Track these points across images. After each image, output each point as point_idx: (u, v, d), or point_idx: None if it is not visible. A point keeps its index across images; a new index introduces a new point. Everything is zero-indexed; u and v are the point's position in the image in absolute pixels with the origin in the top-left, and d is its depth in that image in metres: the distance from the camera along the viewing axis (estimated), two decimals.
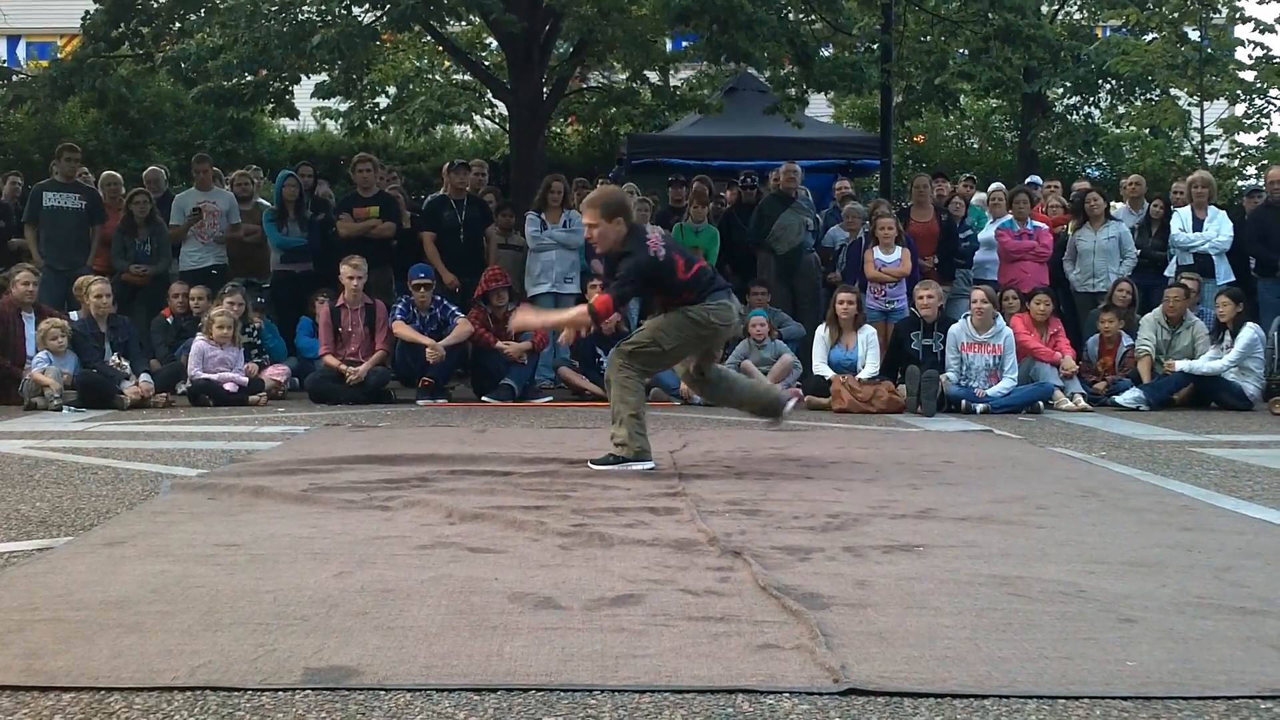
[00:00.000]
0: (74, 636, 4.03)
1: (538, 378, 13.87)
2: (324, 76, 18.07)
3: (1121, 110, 25.79)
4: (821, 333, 13.26)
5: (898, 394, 12.50)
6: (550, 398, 13.50)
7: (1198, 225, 14.97)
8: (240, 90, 18.10)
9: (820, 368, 13.02)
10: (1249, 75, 22.08)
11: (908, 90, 22.82)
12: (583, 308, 8.47)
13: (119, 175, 16.80)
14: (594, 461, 8.05)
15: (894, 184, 20.46)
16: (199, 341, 12.94)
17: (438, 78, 23.02)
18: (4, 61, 28.22)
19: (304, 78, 18.02)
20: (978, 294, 12.88)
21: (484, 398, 13.22)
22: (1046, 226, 15.35)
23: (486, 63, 21.77)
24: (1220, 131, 22.69)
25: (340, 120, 22.14)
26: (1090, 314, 14.43)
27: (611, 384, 8.19)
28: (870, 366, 12.81)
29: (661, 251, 8.09)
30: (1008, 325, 12.95)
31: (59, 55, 22.48)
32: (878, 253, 14.13)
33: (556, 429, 10.68)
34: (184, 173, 20.50)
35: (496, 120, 24.71)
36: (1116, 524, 6.22)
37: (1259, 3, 22.37)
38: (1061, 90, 25.59)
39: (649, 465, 7.97)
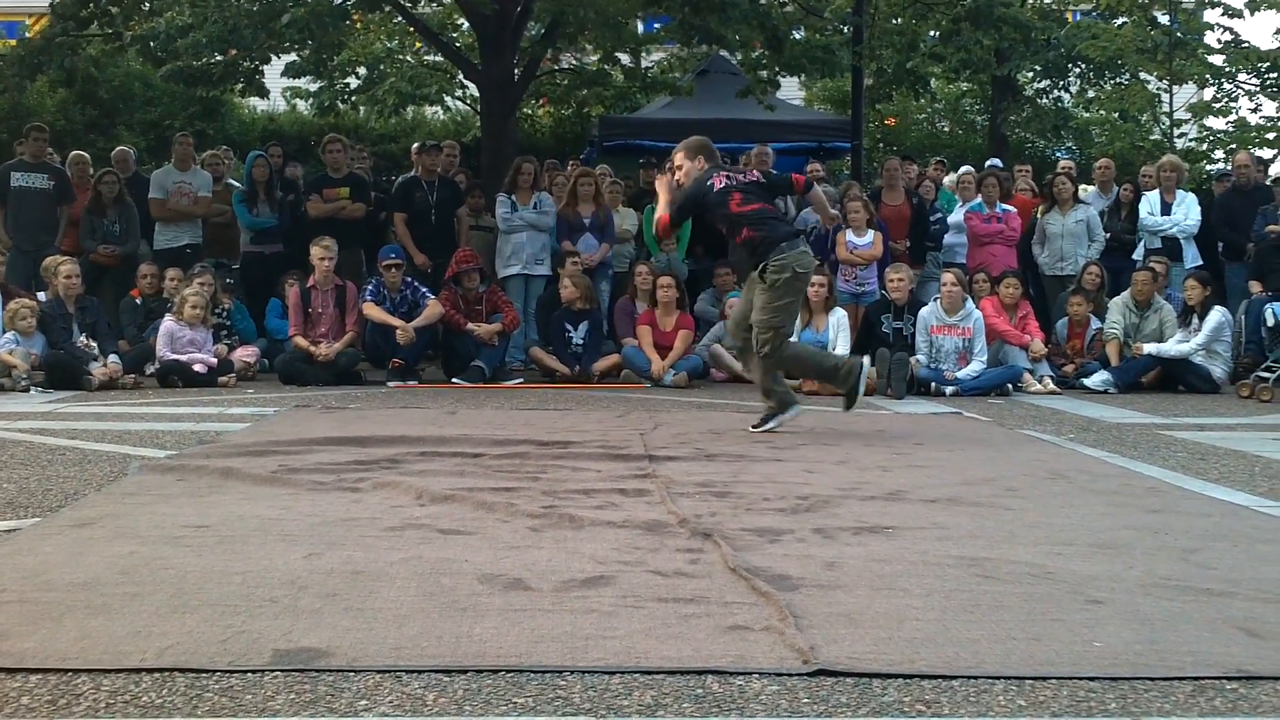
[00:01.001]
0: (41, 618, 4.02)
1: (508, 359, 13.85)
2: (294, 56, 18.01)
3: (1091, 94, 25.80)
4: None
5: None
6: (521, 379, 13.48)
7: (1166, 209, 15.04)
8: (209, 70, 18.02)
9: None
10: (1218, 60, 22.14)
11: (879, 73, 22.81)
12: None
13: (87, 155, 16.68)
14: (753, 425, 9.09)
15: (865, 167, 20.46)
16: (168, 322, 12.87)
17: (408, 58, 22.93)
18: None
19: (274, 57, 17.96)
20: (948, 276, 12.90)
21: (454, 379, 13.19)
22: (1015, 210, 15.36)
23: (458, 44, 21.69)
24: (1189, 116, 22.74)
25: (311, 101, 22.06)
26: (1059, 297, 14.48)
27: (757, 377, 9.26)
28: (841, 348, 12.81)
29: (719, 183, 9.12)
30: (977, 308, 12.98)
31: (27, 34, 22.32)
32: (849, 235, 14.13)
33: (527, 410, 10.67)
34: (153, 153, 20.43)
35: (468, 101, 24.66)
36: (1084, 506, 6.25)
37: None
38: (1031, 74, 25.61)
39: (794, 412, 9.20)
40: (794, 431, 9.13)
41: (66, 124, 22.57)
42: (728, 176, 9.27)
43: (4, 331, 12.51)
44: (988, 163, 19.08)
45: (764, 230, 9.00)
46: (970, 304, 12.85)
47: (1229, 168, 17.73)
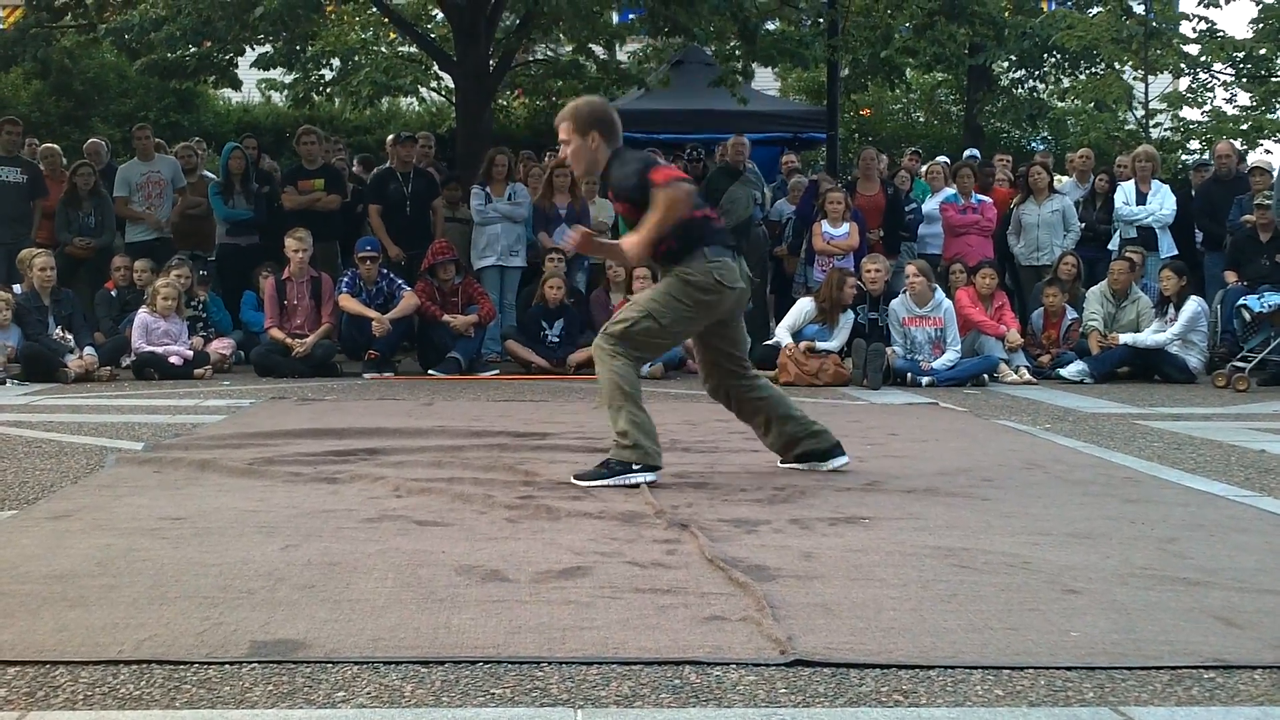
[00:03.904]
0: (18, 610, 4.01)
1: (484, 351, 13.82)
2: (268, 48, 17.96)
3: (1066, 84, 25.89)
4: (807, 305, 13.14)
5: (844, 367, 12.54)
6: (497, 370, 13.47)
7: (1141, 199, 15.06)
8: (184, 62, 17.96)
9: (783, 334, 12.93)
10: (1193, 49, 22.21)
11: (854, 64, 22.84)
12: (656, 217, 6.38)
13: (58, 147, 16.59)
14: (579, 476, 6.49)
15: (840, 157, 20.48)
16: (143, 314, 12.84)
17: (383, 50, 22.88)
18: None
19: (248, 49, 17.90)
20: (910, 268, 12.96)
21: (431, 371, 13.19)
22: (990, 200, 15.38)
23: (432, 35, 21.65)
24: (1164, 106, 22.82)
25: (285, 92, 22.01)
26: (1035, 287, 14.49)
27: (600, 374, 6.65)
28: (836, 341, 12.77)
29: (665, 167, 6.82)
30: (953, 299, 13.01)
31: (1, 26, 22.25)
32: (826, 226, 14.13)
33: (503, 402, 10.66)
34: (128, 144, 20.30)
35: (442, 93, 24.61)
36: (1061, 496, 6.27)
37: None
38: (1007, 64, 25.68)
39: (652, 477, 6.46)
40: None
41: (41, 116, 22.49)
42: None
43: None
44: (966, 153, 19.11)
45: (684, 244, 6.59)
46: (940, 294, 12.88)
47: (1206, 158, 17.79)
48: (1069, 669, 3.57)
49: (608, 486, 6.32)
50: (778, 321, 13.64)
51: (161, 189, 15.30)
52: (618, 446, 6.47)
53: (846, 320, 12.92)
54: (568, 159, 7.06)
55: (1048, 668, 3.58)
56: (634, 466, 6.39)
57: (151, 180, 15.26)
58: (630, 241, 6.54)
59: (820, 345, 12.62)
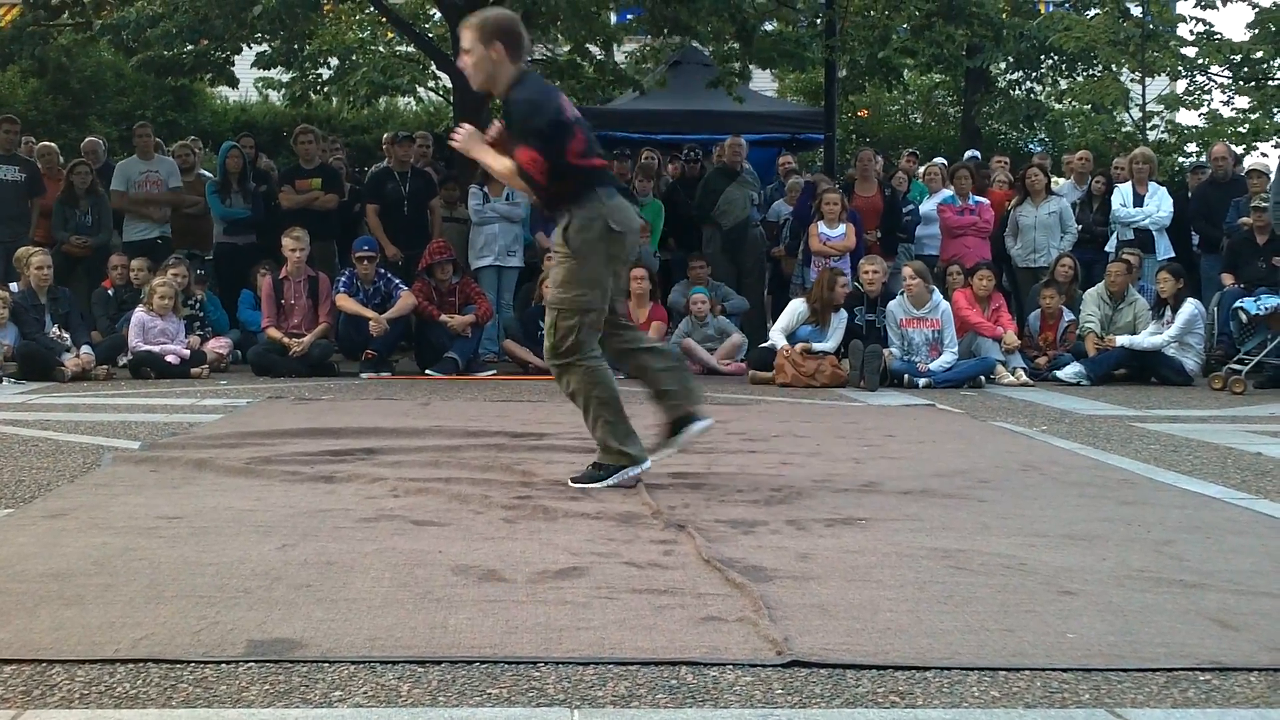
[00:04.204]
0: (15, 609, 4.01)
1: (482, 351, 13.83)
2: (265, 47, 17.96)
3: (1064, 85, 25.90)
4: (799, 306, 13.12)
5: (841, 368, 12.54)
6: (494, 370, 13.48)
7: (1138, 201, 15.05)
8: (181, 60, 17.98)
9: (777, 337, 12.93)
10: (1190, 52, 22.21)
11: (851, 65, 22.85)
12: (511, 165, 6.32)
13: (55, 146, 16.62)
14: (575, 480, 6.42)
15: (838, 158, 20.49)
16: (139, 313, 12.85)
17: (380, 49, 22.89)
18: None
19: (245, 47, 17.91)
20: (907, 270, 12.95)
21: (428, 371, 13.19)
22: (988, 201, 15.39)
23: (430, 34, 21.65)
24: (1161, 108, 22.82)
25: (283, 91, 22.02)
26: (1032, 289, 14.50)
27: (566, 393, 6.52)
28: (831, 342, 12.77)
29: (569, 111, 6.36)
30: (950, 300, 13.01)
31: None
32: (822, 227, 14.12)
33: (501, 402, 10.66)
34: (125, 143, 20.34)
35: (440, 92, 24.61)
36: (1057, 498, 6.27)
37: None
38: (1004, 65, 25.69)
39: (640, 469, 6.43)
40: (767, 423, 9.14)
41: (38, 114, 22.51)
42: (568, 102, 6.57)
43: None
44: (967, 154, 19.12)
45: (579, 188, 6.31)
46: (937, 295, 12.88)
47: (1203, 160, 17.78)
48: (1065, 670, 3.57)
49: (606, 487, 6.29)
50: (775, 322, 13.63)
51: (159, 189, 15.30)
52: (603, 452, 6.44)
53: (840, 320, 12.91)
54: (465, 67, 6.50)
55: (1044, 669, 3.58)
56: (624, 466, 6.36)
57: (150, 179, 15.26)
58: (505, 173, 6.49)
59: (816, 346, 12.61)
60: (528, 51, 6.40)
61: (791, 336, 12.81)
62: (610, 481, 6.32)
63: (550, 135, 6.19)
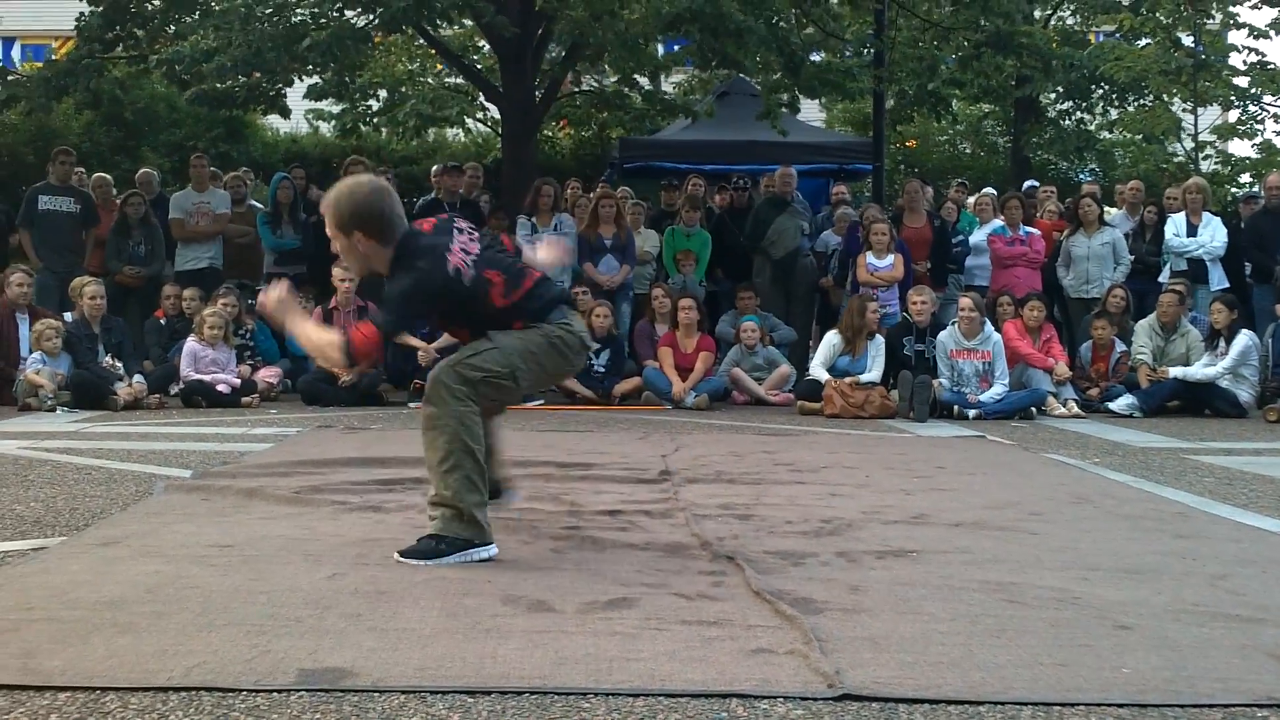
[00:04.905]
0: (69, 636, 4.03)
1: None
2: (316, 79, 18.08)
3: (1114, 115, 25.81)
4: (833, 338, 13.13)
5: (890, 399, 12.50)
6: (542, 400, 13.45)
7: (1192, 231, 14.94)
8: (233, 92, 18.13)
9: (818, 372, 12.91)
10: (1243, 81, 22.11)
11: (900, 95, 22.84)
12: (335, 339, 5.35)
13: (109, 177, 16.84)
14: (402, 553, 5.29)
15: (886, 188, 20.46)
16: (191, 343, 12.95)
17: (429, 80, 23.00)
18: None
19: (297, 80, 18.03)
20: (965, 301, 12.87)
21: None
22: (1039, 232, 15.32)
23: (479, 65, 21.76)
24: (1214, 138, 22.71)
25: (333, 122, 22.16)
26: (1084, 320, 14.41)
27: (434, 416, 5.26)
28: (874, 372, 12.75)
29: (467, 268, 5.32)
30: (1001, 331, 12.96)
31: (54, 57, 22.46)
32: (870, 257, 14.10)
33: (548, 432, 10.66)
34: (177, 174, 20.50)
35: (488, 123, 24.71)
36: (1110, 531, 6.23)
37: (1253, 8, 22.29)
38: (1054, 95, 25.62)
39: (487, 554, 5.28)
40: (815, 454, 9.11)
41: (92, 145, 22.69)
42: (478, 240, 5.56)
43: (31, 352, 12.57)
44: (1025, 185, 19.05)
45: (533, 315, 5.42)
46: (989, 327, 12.81)
47: (1258, 189, 17.67)
48: (1120, 706, 3.54)
49: (446, 565, 5.16)
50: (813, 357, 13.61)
51: (211, 221, 15.43)
52: (447, 518, 5.26)
53: (877, 348, 12.88)
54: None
55: (1099, 704, 3.55)
56: (474, 542, 5.26)
57: (202, 211, 15.40)
58: (308, 339, 5.49)
59: (864, 378, 12.57)
60: (398, 220, 5.41)
61: (832, 369, 12.78)
62: (454, 559, 5.21)
63: (464, 298, 5.33)
